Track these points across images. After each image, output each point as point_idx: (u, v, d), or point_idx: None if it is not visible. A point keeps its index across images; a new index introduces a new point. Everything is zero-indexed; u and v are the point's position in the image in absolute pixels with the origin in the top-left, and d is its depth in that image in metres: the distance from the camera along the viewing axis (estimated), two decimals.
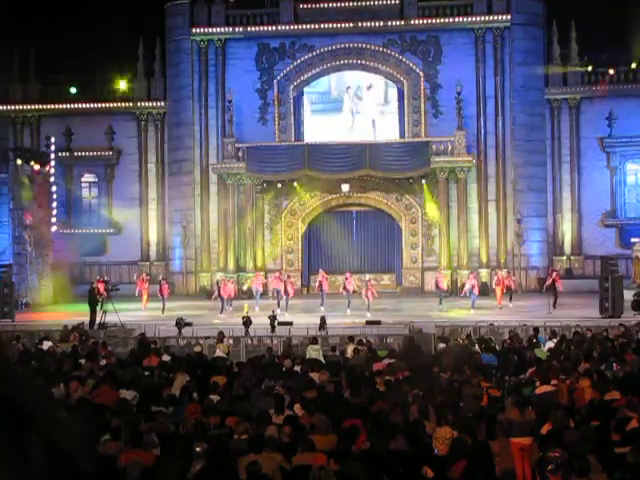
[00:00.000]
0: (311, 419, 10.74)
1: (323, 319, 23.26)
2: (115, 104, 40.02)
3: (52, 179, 35.95)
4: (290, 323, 24.58)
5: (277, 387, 13.34)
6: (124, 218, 39.88)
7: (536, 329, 20.96)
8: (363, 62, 38.02)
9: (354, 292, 29.75)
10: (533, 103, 37.77)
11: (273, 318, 23.44)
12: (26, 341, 21.64)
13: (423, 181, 36.04)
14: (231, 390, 13.13)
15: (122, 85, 40.36)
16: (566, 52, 38.14)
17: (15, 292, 30.85)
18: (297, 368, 15.91)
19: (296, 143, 37.22)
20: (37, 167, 34.91)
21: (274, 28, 38.25)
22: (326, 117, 38.49)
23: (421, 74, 37.65)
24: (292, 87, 38.36)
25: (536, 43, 37.99)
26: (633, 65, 37.72)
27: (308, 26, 37.93)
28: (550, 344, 18.91)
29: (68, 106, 39.71)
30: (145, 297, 31.02)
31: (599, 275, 28.04)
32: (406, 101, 37.84)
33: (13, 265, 32.46)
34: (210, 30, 38.64)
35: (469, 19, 37.42)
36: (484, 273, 36.19)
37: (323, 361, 17.44)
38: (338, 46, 37.87)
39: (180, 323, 23.31)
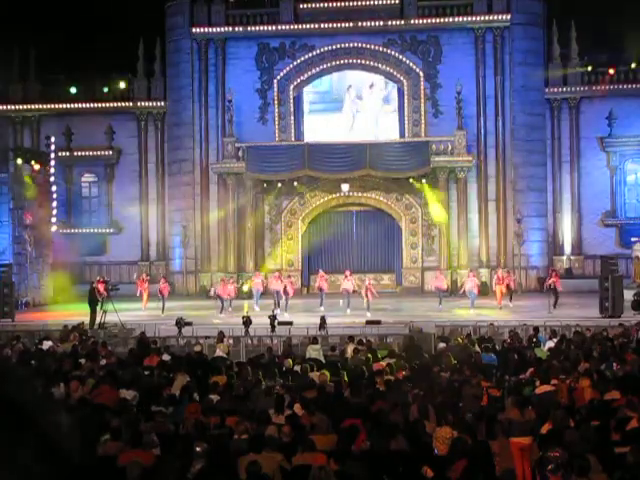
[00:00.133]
0: (311, 419, 10.75)
1: (323, 319, 23.26)
2: (115, 104, 40.01)
3: (52, 179, 35.94)
4: (290, 323, 24.58)
5: (277, 387, 13.35)
6: (124, 218, 39.88)
7: (536, 329, 20.96)
8: (363, 62, 38.02)
9: (354, 292, 29.74)
10: (533, 103, 37.77)
11: (273, 318, 23.44)
12: (26, 341, 21.64)
13: (424, 180, 35.94)
14: (231, 390, 13.13)
15: (122, 85, 40.33)
16: (566, 52, 38.12)
17: (15, 292, 30.85)
18: (297, 368, 15.91)
19: (296, 143, 37.22)
20: (37, 167, 34.90)
21: (274, 28, 38.25)
22: (327, 116, 38.48)
23: (421, 74, 37.65)
24: (292, 87, 38.36)
25: (536, 43, 37.99)
26: (633, 65, 37.71)
27: (308, 26, 37.93)
28: (550, 344, 18.91)
29: (68, 106, 39.70)
30: (145, 297, 31.03)
31: (599, 275, 28.04)
32: (406, 101, 37.84)
33: (13, 265, 32.46)
34: (210, 30, 38.63)
35: (469, 19, 37.41)
36: (484, 273, 36.18)
37: (323, 361, 17.44)
38: (338, 46, 37.87)
39: (180, 323, 23.32)
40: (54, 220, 36.03)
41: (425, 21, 37.59)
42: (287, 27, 38.13)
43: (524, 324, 22.89)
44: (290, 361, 16.49)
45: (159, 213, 39.93)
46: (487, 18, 37.24)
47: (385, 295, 34.02)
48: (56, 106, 39.85)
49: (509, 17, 37.12)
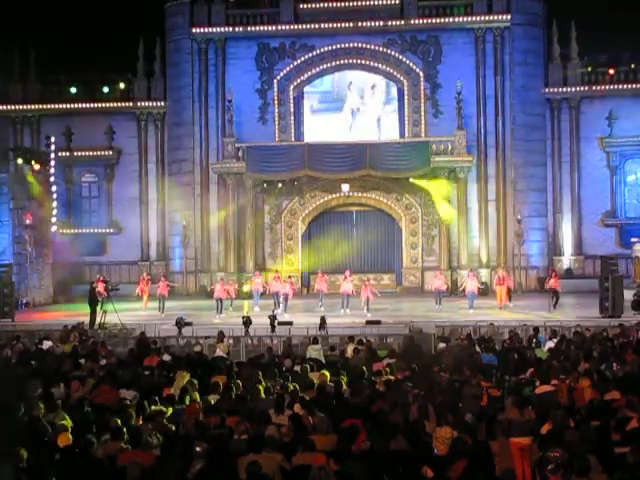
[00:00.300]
0: (311, 419, 10.74)
1: (323, 319, 23.27)
2: (115, 104, 39.98)
3: (52, 179, 35.93)
4: (290, 323, 24.59)
5: (277, 387, 13.35)
6: (124, 218, 39.88)
7: (536, 329, 20.97)
8: (363, 62, 38.01)
9: (354, 292, 29.73)
10: (533, 103, 37.76)
11: (273, 318, 23.44)
12: (26, 341, 21.64)
13: (424, 181, 35.86)
14: (231, 390, 13.13)
15: (122, 85, 40.32)
16: (566, 52, 38.11)
17: (15, 292, 30.86)
18: (297, 368, 15.92)
19: (296, 143, 37.21)
20: (37, 167, 34.90)
21: (274, 28, 38.24)
22: (329, 116, 38.44)
23: (421, 74, 37.64)
24: (292, 87, 38.35)
25: (536, 43, 37.98)
26: (633, 65, 37.71)
27: (308, 26, 37.91)
28: (550, 344, 18.91)
29: (68, 106, 39.68)
30: (145, 297, 31.04)
31: (599, 275, 28.03)
32: (406, 101, 37.83)
33: (13, 265, 32.47)
34: (210, 30, 38.62)
35: (469, 19, 37.40)
36: (484, 273, 36.20)
37: (323, 361, 17.44)
38: (338, 46, 37.86)
39: (180, 323, 23.32)
40: (54, 220, 36.03)
41: (425, 21, 37.57)
42: (287, 27, 38.12)
43: (524, 324, 22.90)
44: (290, 361, 16.50)
45: (159, 213, 39.91)
46: (487, 18, 37.23)
47: (385, 295, 34.03)
48: (56, 106, 39.84)
49: (509, 17, 37.11)
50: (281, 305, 28.74)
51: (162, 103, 39.67)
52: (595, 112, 37.76)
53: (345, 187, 36.79)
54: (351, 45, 37.91)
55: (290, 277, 32.92)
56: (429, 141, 36.09)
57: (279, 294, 29.49)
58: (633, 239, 35.05)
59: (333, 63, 38.15)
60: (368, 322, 25.08)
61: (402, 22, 37.59)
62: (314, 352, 18.53)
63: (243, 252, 37.50)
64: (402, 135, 37.74)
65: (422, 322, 24.52)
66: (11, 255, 34.00)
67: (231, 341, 21.52)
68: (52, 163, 35.91)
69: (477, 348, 18.30)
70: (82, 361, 16.59)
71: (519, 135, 37.46)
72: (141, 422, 10.71)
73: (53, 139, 36.30)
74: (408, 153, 35.59)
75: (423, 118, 37.64)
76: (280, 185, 37.26)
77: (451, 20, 37.50)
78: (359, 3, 37.77)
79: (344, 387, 13.31)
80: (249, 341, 22.62)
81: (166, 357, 17.45)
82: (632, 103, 37.32)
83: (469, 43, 37.65)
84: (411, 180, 35.97)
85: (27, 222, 33.61)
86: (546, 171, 37.98)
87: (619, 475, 8.36)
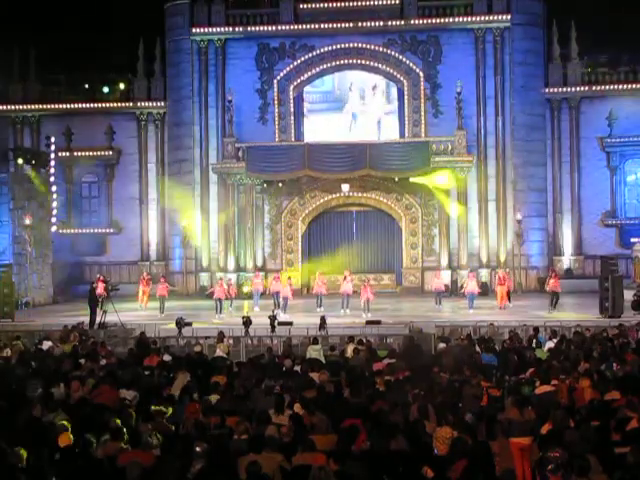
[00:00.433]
0: (311, 419, 10.74)
1: (323, 319, 23.27)
2: (115, 104, 40.02)
3: (52, 179, 35.93)
4: (290, 323, 24.59)
5: (277, 387, 13.34)
6: (124, 218, 39.87)
7: (536, 329, 20.95)
8: (363, 62, 38.01)
9: (354, 292, 29.75)
10: (533, 103, 37.77)
11: (273, 318, 23.44)
12: (26, 341, 21.63)
13: (425, 180, 35.79)
14: (231, 390, 13.13)
15: (122, 85, 40.34)
16: (566, 52, 38.12)
17: (15, 292, 30.85)
18: (297, 368, 15.91)
19: (296, 143, 37.22)
20: (37, 167, 34.90)
21: (274, 28, 38.25)
22: (329, 116, 38.45)
23: (421, 74, 37.65)
24: (292, 87, 38.35)
25: (536, 43, 37.98)
26: (633, 65, 37.72)
27: (308, 26, 37.93)
28: (550, 344, 18.90)
29: (68, 106, 39.71)
30: (145, 297, 31.03)
31: (599, 275, 28.03)
32: (406, 101, 37.84)
33: (13, 265, 32.47)
34: (210, 30, 38.63)
35: (469, 19, 37.41)
36: (484, 273, 36.20)
37: (323, 361, 17.43)
38: (338, 46, 37.86)
39: (180, 323, 23.31)
40: (54, 220, 36.02)
41: (425, 21, 37.59)
42: (287, 27, 38.14)
43: (524, 324, 22.88)
44: (290, 361, 16.49)
45: (159, 213, 39.92)
46: (487, 18, 37.25)
47: (385, 295, 34.08)
48: (56, 106, 39.86)
49: (509, 17, 37.13)
50: (280, 307, 28.71)
51: (162, 103, 39.68)
52: (595, 112, 37.76)
53: (345, 187, 36.79)
54: (351, 45, 37.92)
55: (290, 278, 32.93)
56: (429, 141, 36.09)
57: (279, 294, 29.49)
58: (633, 239, 35.03)
59: (333, 63, 38.16)
60: (368, 322, 25.10)
61: (402, 22, 37.61)
62: (314, 352, 18.53)
63: (243, 252, 37.49)
64: (402, 135, 37.74)
65: (422, 322, 24.50)
66: (11, 255, 33.98)
67: (231, 341, 21.51)
68: (52, 163, 35.91)
69: (477, 348, 18.29)
70: (82, 361, 16.57)
71: (519, 135, 37.47)
72: (141, 422, 10.69)
73: (53, 139, 36.28)
74: (408, 153, 35.58)
75: (423, 118, 37.64)
76: (280, 185, 37.27)
77: (451, 20, 37.51)
78: (359, 3, 37.78)
79: (344, 387, 13.30)
80: (249, 341, 22.61)
81: (166, 357, 17.44)
82: (632, 103, 37.31)
83: (469, 43, 37.66)
84: (411, 180, 35.87)
85: (27, 222, 33.59)
86: (546, 171, 37.99)
87: (619, 475, 8.36)
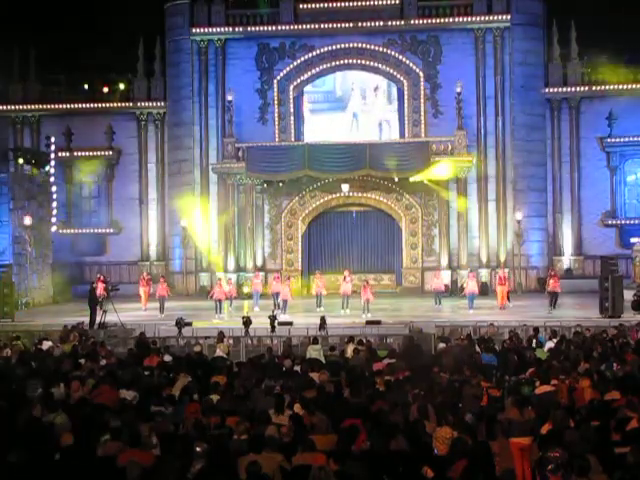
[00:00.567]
0: (311, 419, 10.74)
1: (323, 319, 23.26)
2: (115, 104, 40.02)
3: (52, 179, 35.93)
4: (290, 323, 24.59)
5: (277, 387, 13.34)
6: (124, 218, 39.86)
7: (536, 329, 20.95)
8: (363, 62, 38.01)
9: (354, 292, 29.76)
10: (533, 103, 37.76)
11: (273, 318, 23.44)
12: (26, 341, 21.62)
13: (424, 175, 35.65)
14: (231, 390, 13.13)
15: (122, 85, 40.35)
16: (566, 52, 38.13)
17: (15, 292, 30.84)
18: (297, 368, 15.91)
19: (296, 143, 37.21)
20: (37, 167, 34.89)
21: (274, 28, 38.25)
22: (331, 116, 38.44)
23: (421, 74, 37.65)
24: (292, 87, 38.35)
25: (536, 43, 37.98)
26: (633, 65, 37.71)
27: (308, 26, 37.93)
28: (550, 344, 18.90)
29: (68, 106, 39.72)
30: (145, 297, 31.03)
31: (599, 275, 28.03)
32: (406, 101, 37.84)
33: (13, 265, 32.46)
34: (210, 30, 38.63)
35: (469, 19, 37.41)
36: (484, 273, 36.20)
37: (323, 361, 17.43)
38: (338, 46, 37.87)
39: (180, 323, 23.31)
40: (54, 220, 36.02)
41: (425, 21, 37.58)
42: (287, 27, 38.14)
43: (524, 324, 22.89)
44: (290, 361, 16.49)
45: (159, 213, 39.92)
46: (487, 18, 37.25)
47: (385, 295, 34.07)
48: (56, 106, 39.86)
49: (509, 17, 37.13)
50: (280, 307, 28.70)
51: (162, 103, 39.68)
52: (595, 112, 37.76)
53: (345, 187, 36.79)
54: (351, 45, 37.92)
55: (290, 278, 32.96)
56: (429, 141, 36.07)
57: (279, 294, 29.48)
58: (633, 239, 35.03)
59: (333, 63, 38.16)
60: (368, 322, 25.10)
61: (402, 22, 37.61)
62: (314, 352, 18.52)
63: (243, 252, 37.49)
64: (402, 135, 37.74)
65: (422, 322, 24.50)
66: (11, 255, 33.96)
67: (231, 341, 21.51)
68: (52, 163, 35.90)
69: (477, 348, 18.29)
70: (82, 361, 16.57)
71: (519, 135, 37.47)
72: (141, 422, 10.69)
73: (53, 139, 36.32)
74: (408, 153, 35.56)
75: (423, 118, 37.64)
76: (280, 185, 37.27)
77: (451, 20, 37.51)
78: (359, 3, 37.78)
79: (344, 387, 13.30)
80: (249, 341, 22.60)
81: (167, 358, 17.43)
82: (632, 103, 37.31)
83: (469, 43, 37.66)
84: (411, 179, 35.81)
85: (27, 222, 33.60)
86: (546, 171, 37.99)
87: (619, 475, 8.36)
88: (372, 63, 37.90)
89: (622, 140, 37.49)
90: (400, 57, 37.74)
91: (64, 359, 17.07)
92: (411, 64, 37.67)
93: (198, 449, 8.87)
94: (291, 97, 38.35)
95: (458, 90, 35.44)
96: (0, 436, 9.69)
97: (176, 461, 8.74)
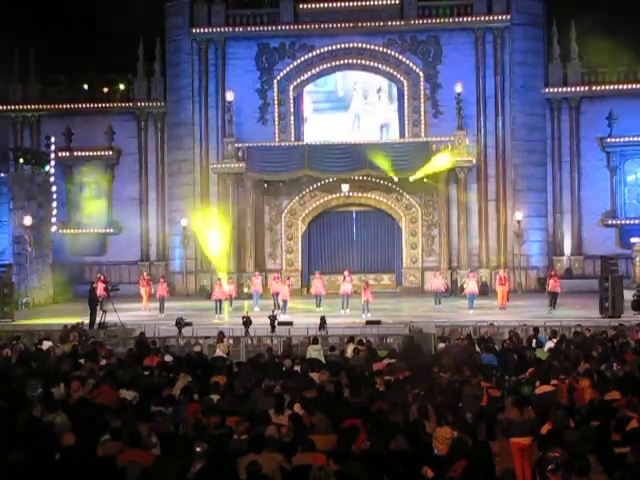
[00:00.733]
0: (311, 419, 10.74)
1: (323, 319, 23.26)
2: (115, 104, 40.02)
3: (52, 179, 35.92)
4: (290, 323, 24.60)
5: (277, 387, 13.34)
6: (124, 218, 39.84)
7: (536, 329, 20.95)
8: (363, 62, 38.00)
9: (354, 292, 29.75)
10: (533, 103, 37.76)
11: (273, 318, 23.45)
12: (26, 341, 21.62)
13: (424, 178, 35.63)
14: (231, 390, 13.13)
15: (122, 85, 40.34)
16: (566, 52, 38.13)
17: (15, 292, 30.84)
18: (297, 368, 15.91)
19: (296, 143, 37.20)
20: (37, 167, 34.88)
21: (274, 28, 38.24)
22: (332, 115, 38.38)
23: (421, 74, 37.64)
24: (292, 87, 38.35)
25: (536, 43, 37.98)
26: (633, 65, 37.73)
27: (308, 26, 37.92)
28: (550, 344, 18.90)
29: (68, 106, 39.72)
30: (146, 297, 31.03)
31: (599, 275, 28.04)
32: (406, 101, 37.83)
33: (13, 265, 32.44)
34: (210, 30, 38.62)
35: (469, 19, 37.40)
36: (484, 273, 36.18)
37: (323, 361, 17.43)
38: (338, 46, 37.86)
39: (180, 323, 23.31)
40: (54, 220, 36.01)
41: (425, 21, 37.57)
42: (287, 27, 38.12)
43: (524, 324, 22.89)
44: (290, 361, 16.49)
45: (159, 213, 39.91)
46: (487, 18, 37.24)
47: (385, 295, 34.08)
48: (56, 106, 39.86)
49: (509, 17, 37.12)
50: (280, 307, 28.70)
51: (162, 103, 39.67)
52: (595, 112, 37.76)
53: (345, 187, 36.78)
54: (351, 45, 37.91)
55: (289, 278, 32.96)
56: (429, 141, 36.06)
57: (279, 295, 29.48)
58: (633, 239, 35.04)
59: (333, 63, 38.15)
60: (368, 322, 25.11)
61: (402, 22, 37.60)
62: (314, 352, 18.53)
63: (243, 252, 37.47)
64: (402, 135, 37.73)
65: (422, 322, 24.51)
66: (11, 255, 33.97)
67: (231, 341, 21.52)
68: (52, 163, 35.90)
69: (477, 348, 18.30)
70: (82, 361, 16.57)
71: (519, 135, 37.46)
72: (141, 422, 10.69)
73: (53, 139, 36.31)
74: (408, 153, 35.55)
75: (423, 118, 37.63)
76: (280, 185, 37.27)
77: (451, 20, 37.50)
78: (359, 3, 37.77)
79: (344, 387, 13.30)
80: (249, 341, 22.60)
81: (167, 358, 17.43)
82: (632, 103, 37.33)
83: (469, 43, 37.65)
84: (411, 178, 35.73)
85: (27, 222, 33.60)
86: (546, 171, 37.98)
87: (619, 475, 8.36)
88: (372, 63, 37.89)
89: (622, 140, 37.49)
90: (400, 57, 37.73)
91: (64, 359, 17.07)
92: (411, 64, 37.66)
93: (198, 449, 8.87)
94: (291, 97, 38.34)
95: (458, 90, 35.44)
96: (0, 436, 9.69)
97: (176, 461, 8.75)
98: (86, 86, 40.43)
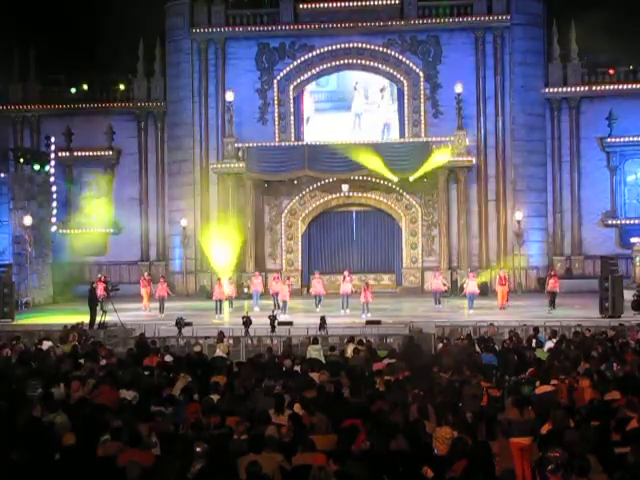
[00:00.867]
0: (311, 419, 10.74)
1: (323, 319, 23.26)
2: (115, 104, 40.02)
3: (52, 179, 35.92)
4: (290, 323, 24.60)
5: (277, 387, 13.34)
6: (124, 218, 39.84)
7: (536, 329, 20.95)
8: (363, 62, 38.00)
9: (354, 292, 29.75)
10: (533, 103, 37.76)
11: (273, 318, 23.45)
12: (26, 341, 21.62)
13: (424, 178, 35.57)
14: (231, 390, 13.13)
15: (122, 85, 40.35)
16: (566, 52, 38.12)
17: (15, 292, 30.83)
18: (297, 368, 15.92)
19: (296, 143, 37.20)
20: (37, 167, 34.89)
21: (274, 28, 38.23)
22: (334, 115, 38.35)
23: (421, 74, 37.64)
24: (292, 87, 38.34)
25: (536, 43, 37.98)
26: (633, 65, 37.73)
27: (308, 26, 37.92)
28: (550, 344, 18.90)
29: (68, 106, 39.72)
30: (147, 297, 31.03)
31: (599, 275, 28.04)
32: (406, 101, 37.83)
33: (13, 265, 32.43)
34: (210, 30, 38.62)
35: (469, 19, 37.40)
36: (484, 273, 36.17)
37: (323, 361, 17.43)
38: (338, 46, 37.85)
39: (180, 323, 23.31)
40: (54, 220, 36.00)
41: (425, 21, 37.56)
42: (287, 27, 38.12)
43: (524, 324, 22.89)
44: (290, 361, 16.49)
45: (159, 213, 39.91)
46: (487, 18, 37.23)
47: (385, 295, 34.08)
48: (56, 106, 39.86)
49: (509, 17, 37.12)
50: (280, 307, 28.70)
51: (162, 103, 39.67)
52: (595, 112, 37.75)
53: (345, 187, 36.79)
54: (351, 45, 37.91)
55: (289, 278, 32.95)
56: (429, 141, 36.06)
57: (279, 295, 29.48)
58: (633, 239, 35.03)
59: (333, 63, 38.15)
60: (368, 322, 25.11)
61: (402, 22, 37.61)
62: (314, 352, 18.53)
63: (243, 252, 37.45)
64: (402, 135, 37.73)
65: (422, 322, 24.51)
66: (11, 255, 33.97)
67: (231, 341, 21.52)
68: (52, 163, 35.90)
69: (477, 348, 18.30)
70: (82, 361, 16.57)
71: (519, 135, 37.46)
72: (141, 422, 10.70)
73: (53, 139, 36.30)
74: (408, 153, 35.55)
75: (423, 118, 37.63)
76: (280, 185, 37.25)
77: (451, 20, 37.50)
78: (359, 3, 37.76)
79: (344, 387, 13.30)
80: (249, 341, 22.60)
81: (167, 358, 17.43)
82: (632, 103, 37.32)
83: (469, 43, 37.65)
84: (411, 178, 35.72)
85: (27, 222, 33.59)
86: (546, 171, 37.98)
87: (619, 475, 8.36)
88: (372, 63, 37.88)
89: (622, 140, 37.49)
90: (400, 57, 37.73)
91: (64, 359, 17.07)
92: (411, 64, 37.66)
93: (198, 449, 8.87)
94: (291, 97, 38.34)
95: (458, 90, 35.43)
96: (0, 436, 9.69)
97: (176, 461, 8.75)
98: (86, 86, 40.44)
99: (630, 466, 8.44)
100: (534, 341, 19.69)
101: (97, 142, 39.71)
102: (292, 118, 38.27)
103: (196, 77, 38.87)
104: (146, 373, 15.32)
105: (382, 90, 38.42)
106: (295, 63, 38.24)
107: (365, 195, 37.71)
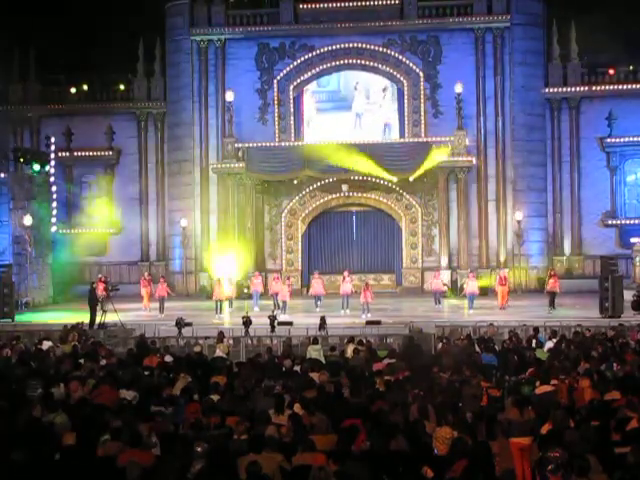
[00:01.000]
0: (311, 419, 10.75)
1: (323, 319, 23.25)
2: (115, 104, 40.04)
3: (52, 179, 35.91)
4: (290, 323, 24.59)
5: (277, 387, 13.34)
6: (124, 218, 39.84)
7: (536, 329, 20.95)
8: (363, 62, 37.99)
9: (354, 292, 29.75)
10: (533, 103, 37.76)
11: (273, 318, 23.45)
12: (26, 341, 21.63)
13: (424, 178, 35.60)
14: (231, 390, 13.13)
15: (122, 85, 40.35)
16: (566, 52, 38.12)
17: (15, 292, 30.83)
18: (297, 368, 15.92)
19: (296, 143, 37.21)
20: (37, 167, 34.89)
21: (274, 28, 38.24)
22: (335, 115, 38.31)
23: (421, 74, 37.64)
24: (292, 87, 38.34)
25: (536, 43, 37.98)
26: (632, 65, 37.73)
27: (308, 26, 37.92)
28: (550, 344, 18.90)
29: (68, 106, 39.72)
30: (147, 297, 31.03)
31: (599, 275, 28.04)
32: (406, 101, 37.83)
33: (13, 265, 32.43)
34: (210, 30, 38.62)
35: (469, 19, 37.40)
36: (484, 273, 36.15)
37: (323, 361, 17.43)
38: (338, 46, 37.85)
39: (180, 323, 23.31)
40: (54, 220, 36.00)
41: (425, 21, 37.57)
42: (287, 27, 38.12)
43: (524, 324, 22.89)
44: (290, 361, 16.49)
45: (159, 213, 39.92)
46: (487, 18, 37.24)
47: (385, 295, 34.08)
48: (56, 106, 39.87)
49: (509, 17, 37.12)
50: (280, 308, 28.69)
51: (162, 103, 39.68)
52: (595, 112, 37.75)
53: (345, 187, 36.79)
54: (351, 45, 37.90)
55: (289, 278, 32.95)
56: (429, 141, 36.06)
57: (278, 295, 29.48)
58: (633, 239, 35.02)
59: (333, 63, 38.15)
60: (368, 322, 25.10)
61: (402, 22, 37.61)
62: (314, 352, 18.53)
63: (243, 252, 37.42)
64: (402, 135, 37.73)
65: (422, 322, 24.50)
66: (11, 255, 33.95)
67: (231, 341, 21.52)
68: (52, 163, 35.89)
69: (477, 348, 18.30)
70: (82, 361, 16.57)
71: (519, 135, 37.46)
72: (141, 422, 10.70)
73: (53, 139, 36.27)
74: (408, 153, 35.54)
75: (423, 118, 37.63)
76: (280, 185, 37.24)
77: (451, 20, 37.50)
78: (359, 3, 37.77)
79: (344, 387, 13.30)
80: (249, 341, 22.60)
81: (167, 358, 17.43)
82: (632, 103, 37.31)
83: (469, 43, 37.65)
84: (411, 178, 35.73)
85: (27, 222, 33.58)
86: (546, 171, 37.98)
87: (619, 475, 8.36)
88: (372, 63, 37.88)
89: (622, 140, 37.48)
90: (400, 57, 37.73)
91: (64, 359, 17.07)
92: (411, 64, 37.66)
93: (198, 449, 8.87)
94: (291, 97, 38.34)
95: (458, 90, 35.44)
96: (0, 436, 9.69)
97: (176, 461, 8.75)
98: (86, 86, 40.44)
99: (630, 466, 8.44)
100: (534, 341, 19.69)
101: (97, 142, 39.71)
102: (292, 118, 38.27)
103: (196, 77, 38.87)
104: (146, 373, 15.32)
105: (384, 90, 38.39)
106: (295, 63, 38.24)
107: (365, 195, 37.71)
